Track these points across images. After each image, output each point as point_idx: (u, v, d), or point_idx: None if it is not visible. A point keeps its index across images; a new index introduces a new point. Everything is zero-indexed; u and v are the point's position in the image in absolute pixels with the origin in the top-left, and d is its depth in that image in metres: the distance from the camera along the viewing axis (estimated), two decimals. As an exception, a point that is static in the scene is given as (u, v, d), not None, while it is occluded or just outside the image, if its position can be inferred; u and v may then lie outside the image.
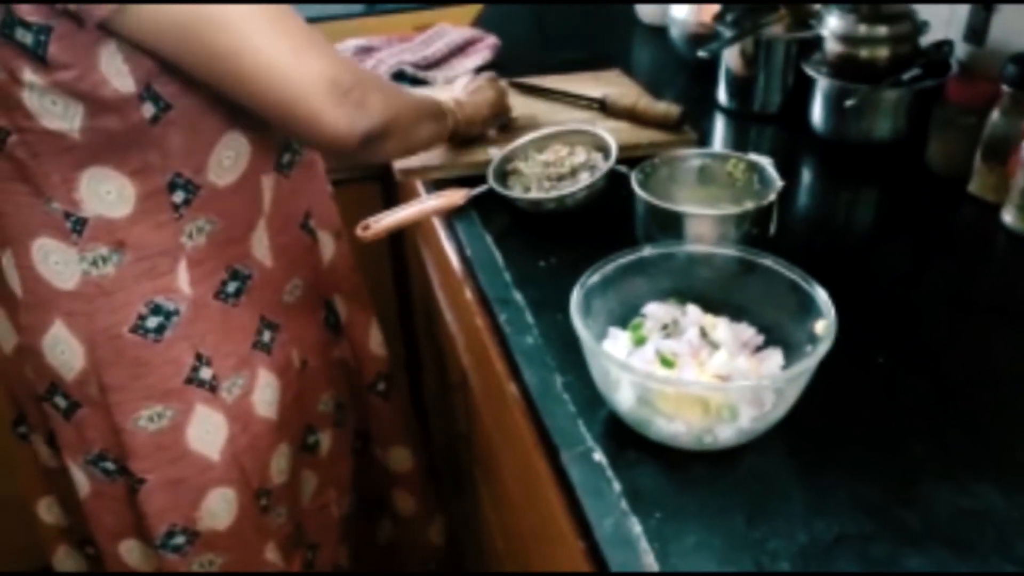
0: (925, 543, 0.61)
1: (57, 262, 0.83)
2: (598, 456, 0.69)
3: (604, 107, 1.24)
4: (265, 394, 0.95)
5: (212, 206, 0.86)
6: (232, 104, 0.79)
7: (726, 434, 0.67)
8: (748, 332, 0.77)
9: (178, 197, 0.83)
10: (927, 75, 1.12)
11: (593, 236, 0.97)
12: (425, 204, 1.05)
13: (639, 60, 1.57)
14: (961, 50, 1.16)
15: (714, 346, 0.74)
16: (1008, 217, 0.97)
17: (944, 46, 1.14)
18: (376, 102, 0.80)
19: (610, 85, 1.30)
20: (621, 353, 0.74)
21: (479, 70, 1.39)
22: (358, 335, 1.10)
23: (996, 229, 0.98)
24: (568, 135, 1.10)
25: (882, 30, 1.12)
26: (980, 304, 0.88)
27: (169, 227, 0.84)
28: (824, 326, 0.69)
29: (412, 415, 1.24)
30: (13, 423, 1.06)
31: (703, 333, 0.76)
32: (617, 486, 0.67)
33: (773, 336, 0.76)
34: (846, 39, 1.14)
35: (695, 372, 0.72)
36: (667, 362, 0.73)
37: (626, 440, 0.70)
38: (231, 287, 0.90)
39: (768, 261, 0.76)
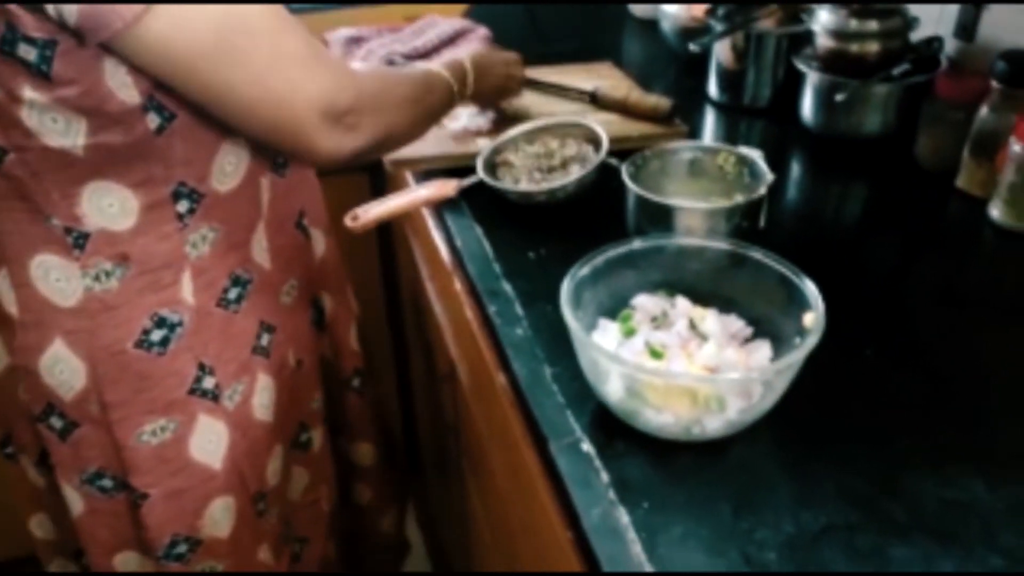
0: (911, 534, 0.61)
1: (58, 279, 0.81)
2: (586, 447, 0.70)
3: (595, 99, 1.24)
4: (263, 397, 0.94)
5: (216, 213, 0.85)
6: None
7: (714, 425, 0.68)
8: (737, 324, 0.77)
9: (182, 207, 0.82)
10: (917, 71, 1.13)
11: (583, 228, 0.97)
12: (416, 194, 1.04)
13: (630, 53, 1.57)
14: (951, 46, 1.17)
15: (703, 338, 0.75)
16: (995, 212, 0.98)
17: (934, 42, 1.14)
18: (369, 124, 0.80)
19: (601, 78, 1.30)
20: (610, 344, 0.74)
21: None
22: (340, 331, 1.10)
23: (983, 224, 0.99)
24: (559, 127, 1.10)
25: (872, 25, 1.13)
26: (967, 298, 0.89)
27: (174, 238, 0.83)
28: (812, 319, 0.69)
29: (380, 411, 1.24)
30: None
31: (692, 325, 0.76)
32: (605, 476, 0.67)
33: (762, 328, 0.76)
34: (837, 34, 1.14)
35: (684, 364, 0.72)
36: (656, 353, 0.73)
37: (614, 431, 0.71)
38: (232, 294, 0.89)
39: (757, 254, 0.76)
